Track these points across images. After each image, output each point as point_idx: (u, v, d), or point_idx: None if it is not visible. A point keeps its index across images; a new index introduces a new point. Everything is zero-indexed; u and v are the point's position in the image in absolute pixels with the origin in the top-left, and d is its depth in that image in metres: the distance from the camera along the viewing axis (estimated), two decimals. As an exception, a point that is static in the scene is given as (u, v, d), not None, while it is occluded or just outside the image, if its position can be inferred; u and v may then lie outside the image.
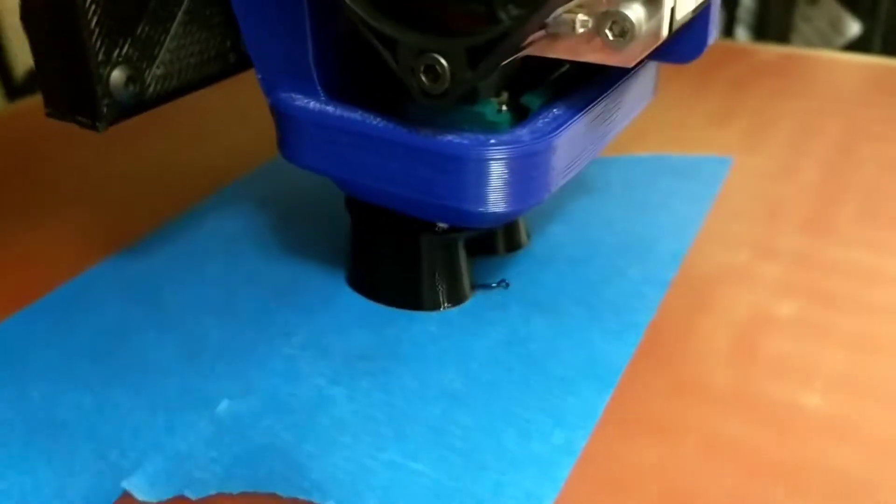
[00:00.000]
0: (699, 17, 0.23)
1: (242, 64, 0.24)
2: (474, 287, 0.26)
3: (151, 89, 0.21)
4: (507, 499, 0.18)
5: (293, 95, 0.22)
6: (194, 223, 0.30)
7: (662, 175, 0.32)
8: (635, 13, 0.18)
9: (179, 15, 0.21)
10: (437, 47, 0.18)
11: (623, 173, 0.33)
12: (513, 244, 0.28)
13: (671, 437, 0.20)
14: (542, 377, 0.22)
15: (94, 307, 0.25)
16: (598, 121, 0.23)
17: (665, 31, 0.19)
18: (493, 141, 0.20)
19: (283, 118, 0.23)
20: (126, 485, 0.19)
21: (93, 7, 0.19)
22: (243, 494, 0.19)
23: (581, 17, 0.19)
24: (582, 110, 0.22)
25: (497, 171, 0.20)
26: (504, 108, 0.21)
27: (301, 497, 0.19)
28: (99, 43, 0.19)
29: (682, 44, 0.24)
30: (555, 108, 0.22)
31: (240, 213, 0.30)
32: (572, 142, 0.22)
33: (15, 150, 0.37)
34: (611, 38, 0.18)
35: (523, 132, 0.21)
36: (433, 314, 0.25)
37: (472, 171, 0.20)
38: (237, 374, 0.22)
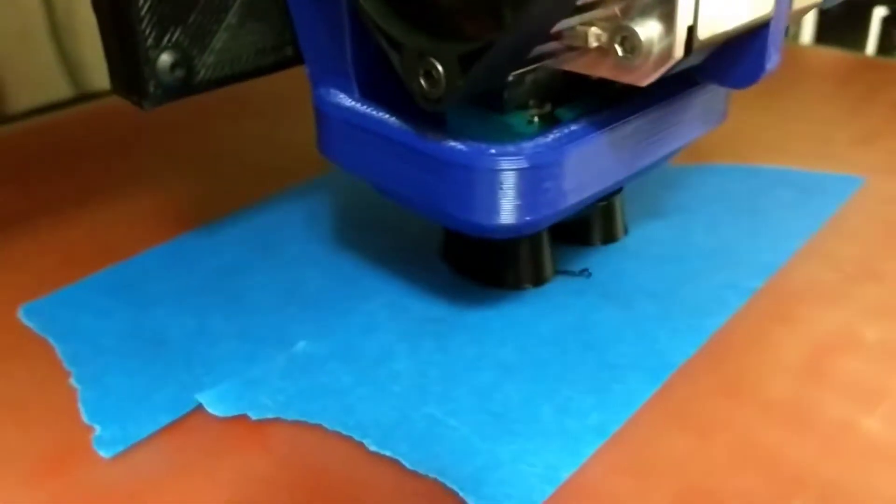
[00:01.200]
0: (753, 40, 0.21)
1: (300, 58, 0.24)
2: (557, 272, 0.27)
3: (201, 75, 0.23)
4: (526, 465, 0.19)
5: (331, 91, 0.23)
6: (308, 193, 0.32)
7: (784, 188, 0.31)
8: (646, 30, 0.18)
9: (236, 6, 0.23)
10: (433, 52, 0.18)
11: (744, 182, 0.32)
12: (609, 236, 0.28)
13: (706, 435, 0.20)
14: (595, 362, 0.23)
15: (213, 251, 0.28)
16: (632, 140, 0.22)
17: (679, 52, 0.18)
18: (493, 151, 0.20)
19: (319, 113, 0.24)
20: (199, 398, 0.22)
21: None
22: (295, 423, 0.21)
23: (595, 30, 0.18)
24: (604, 127, 0.21)
25: (492, 182, 0.20)
26: (536, 119, 0.22)
27: (343, 432, 0.21)
28: (149, 28, 0.21)
29: (735, 66, 0.21)
30: (577, 122, 0.21)
31: (346, 189, 0.32)
32: (588, 158, 0.21)
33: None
34: (621, 54, 0.18)
35: (529, 145, 0.20)
36: (512, 292, 0.26)
37: (464, 179, 0.20)
38: (320, 321, 0.25)
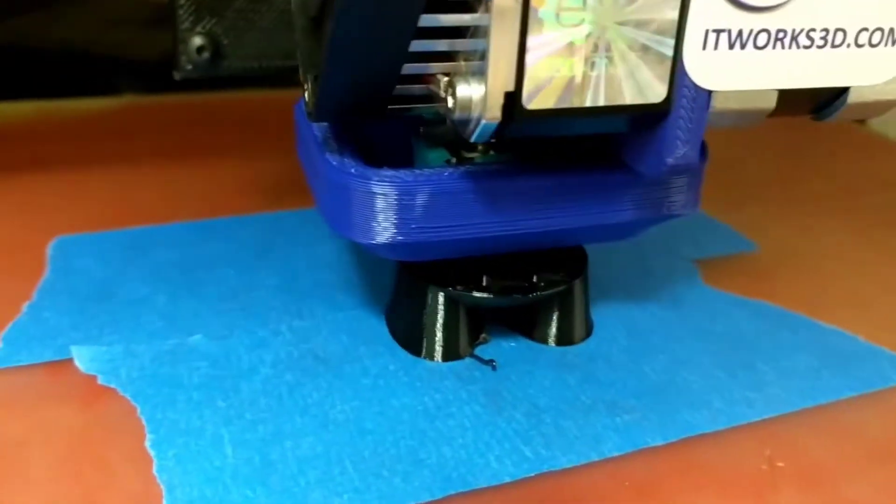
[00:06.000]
0: (659, 129, 0.20)
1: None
2: (471, 353, 0.25)
3: (228, 62, 0.27)
4: None
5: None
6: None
7: (794, 352, 0.26)
8: (467, 88, 0.18)
9: (270, 14, 0.27)
10: (308, 71, 0.20)
11: (757, 324, 0.28)
12: (564, 338, 0.26)
13: None
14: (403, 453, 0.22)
15: (222, 239, 0.31)
16: (516, 197, 0.22)
17: (493, 115, 0.18)
18: (352, 170, 0.22)
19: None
20: (73, 349, 0.25)
21: None
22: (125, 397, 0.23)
23: (444, 79, 0.18)
24: (480, 176, 0.22)
25: (342, 196, 0.22)
26: (453, 160, 0.22)
27: (145, 421, 0.22)
28: (186, 14, 0.26)
29: (642, 153, 0.21)
30: (463, 167, 0.22)
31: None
32: (451, 199, 0.22)
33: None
34: (450, 106, 0.18)
35: (385, 172, 0.22)
36: (412, 358, 0.25)
37: (329, 190, 0.22)
38: (231, 323, 0.26)
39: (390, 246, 0.22)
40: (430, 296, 0.25)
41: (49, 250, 0.30)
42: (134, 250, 0.31)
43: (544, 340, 0.26)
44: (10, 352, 0.24)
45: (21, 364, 0.24)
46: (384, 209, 0.22)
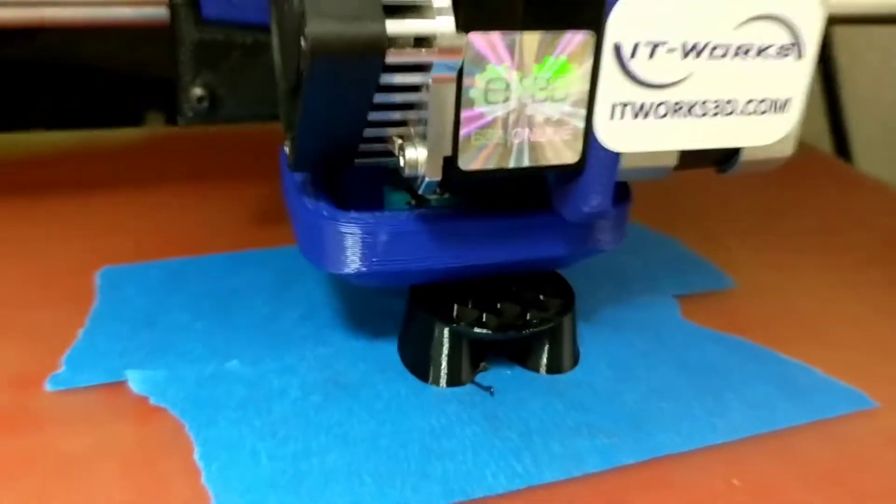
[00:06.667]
0: (577, 182, 0.24)
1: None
2: (472, 380, 0.29)
3: (224, 110, 0.31)
4: None
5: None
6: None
7: (757, 382, 0.30)
8: (413, 151, 0.23)
9: (260, 67, 0.31)
10: (287, 129, 0.26)
11: (728, 357, 0.31)
12: (553, 366, 0.30)
13: None
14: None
15: (257, 267, 0.35)
16: (464, 235, 0.27)
17: (434, 175, 0.23)
18: (325, 213, 0.26)
19: None
20: (128, 373, 0.28)
21: (188, 46, 0.30)
22: (173, 414, 0.27)
23: (398, 140, 0.23)
24: (431, 218, 0.26)
25: (316, 234, 0.27)
26: (413, 202, 0.27)
27: (191, 433, 0.26)
28: (187, 69, 0.31)
29: (565, 201, 0.25)
30: (419, 210, 0.27)
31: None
32: (407, 236, 0.26)
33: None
34: (402, 164, 0.23)
35: (351, 214, 0.26)
36: (420, 384, 0.29)
37: (306, 228, 0.27)
38: (264, 351, 0.30)
39: (357, 275, 0.26)
40: (436, 330, 0.28)
41: (97, 279, 0.34)
42: (172, 280, 0.34)
43: (536, 369, 0.30)
44: (71, 375, 0.28)
45: (81, 385, 0.28)
46: (351, 245, 0.26)
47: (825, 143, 0.72)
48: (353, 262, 0.26)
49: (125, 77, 0.73)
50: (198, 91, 0.31)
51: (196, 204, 0.42)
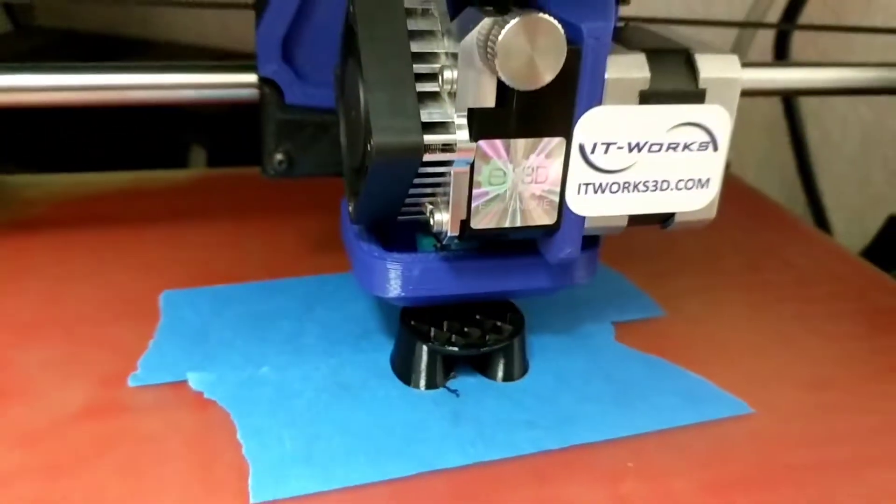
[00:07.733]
0: (554, 234, 0.34)
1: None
2: (444, 385, 0.39)
3: (298, 168, 0.42)
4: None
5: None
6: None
7: (664, 393, 0.39)
8: (438, 214, 0.33)
9: (328, 136, 0.42)
10: (350, 195, 0.36)
11: (647, 373, 0.40)
12: (507, 375, 0.39)
13: None
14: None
15: (298, 295, 0.45)
16: (473, 271, 0.36)
17: (453, 231, 0.33)
18: (375, 253, 0.36)
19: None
20: (188, 375, 0.38)
21: (273, 124, 0.41)
22: (221, 407, 0.36)
23: (430, 206, 0.33)
24: (450, 259, 0.36)
25: (368, 268, 0.36)
26: (438, 245, 0.36)
27: (233, 416, 0.35)
28: (271, 139, 0.42)
29: (546, 247, 0.35)
30: (443, 252, 0.36)
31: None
32: (433, 272, 0.36)
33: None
34: (431, 223, 0.33)
35: (394, 254, 0.35)
36: (405, 387, 0.38)
37: (361, 263, 0.37)
38: (291, 359, 0.40)
39: (397, 298, 0.36)
40: (417, 347, 0.38)
41: (161, 301, 0.44)
42: (219, 304, 0.44)
43: (493, 378, 0.39)
44: (146, 375, 0.38)
45: (153, 383, 0.38)
46: (393, 277, 0.36)
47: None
48: (394, 289, 0.36)
49: (169, 114, 0.83)
50: (279, 157, 0.42)
51: (236, 239, 0.51)
